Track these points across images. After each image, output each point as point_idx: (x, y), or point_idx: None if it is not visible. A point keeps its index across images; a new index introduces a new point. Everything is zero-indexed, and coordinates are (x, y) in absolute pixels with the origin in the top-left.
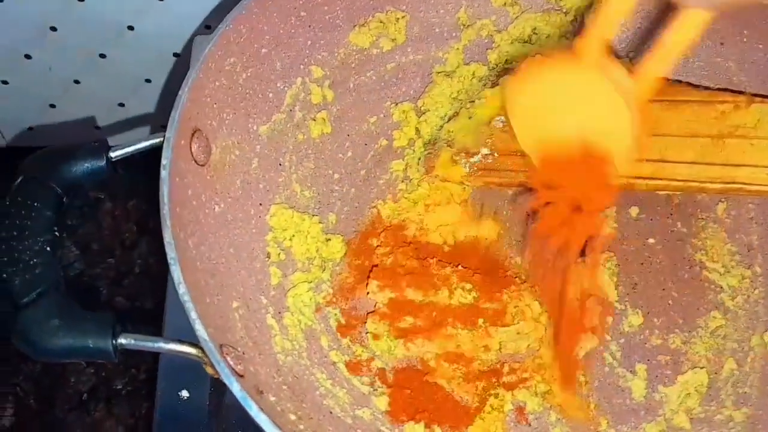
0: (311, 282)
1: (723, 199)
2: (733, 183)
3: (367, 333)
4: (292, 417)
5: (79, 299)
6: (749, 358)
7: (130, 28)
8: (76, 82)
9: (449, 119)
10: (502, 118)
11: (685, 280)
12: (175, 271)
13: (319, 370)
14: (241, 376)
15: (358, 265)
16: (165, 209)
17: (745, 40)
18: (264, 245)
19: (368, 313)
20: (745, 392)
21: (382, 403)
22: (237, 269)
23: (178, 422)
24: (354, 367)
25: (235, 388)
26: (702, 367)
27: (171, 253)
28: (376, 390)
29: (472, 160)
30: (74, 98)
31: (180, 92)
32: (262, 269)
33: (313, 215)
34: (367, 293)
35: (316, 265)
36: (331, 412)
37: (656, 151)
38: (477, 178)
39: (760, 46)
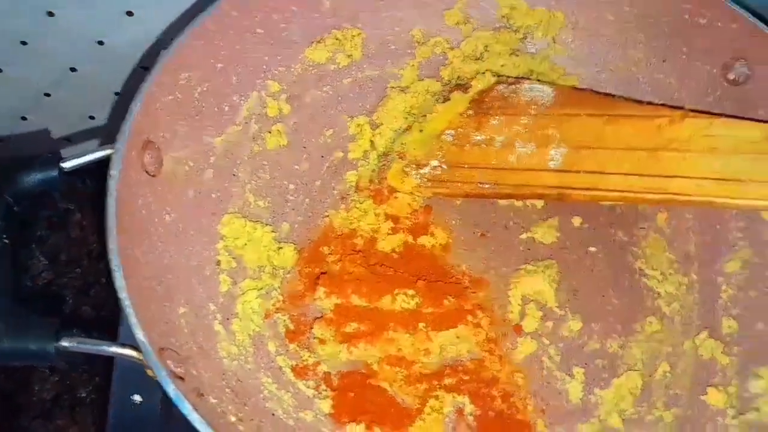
0: (261, 289)
1: (663, 209)
2: (667, 194)
3: (314, 338)
4: (232, 418)
5: (45, 308)
6: (682, 361)
7: (100, 42)
8: (47, 95)
9: (402, 132)
10: (452, 132)
11: (625, 287)
12: (117, 278)
13: (265, 375)
14: (181, 378)
15: (309, 273)
16: (110, 219)
17: (684, 57)
18: (215, 253)
19: (315, 319)
20: (676, 393)
21: (325, 405)
22: (186, 277)
23: (131, 426)
24: (300, 371)
25: (170, 389)
26: (637, 370)
27: (114, 261)
28: (321, 393)
29: (422, 171)
30: (45, 109)
31: (132, 104)
32: (211, 277)
33: (266, 224)
34: (315, 299)
35: (267, 272)
36: (273, 415)
37: (595, 163)
38: (426, 189)
39: (698, 63)
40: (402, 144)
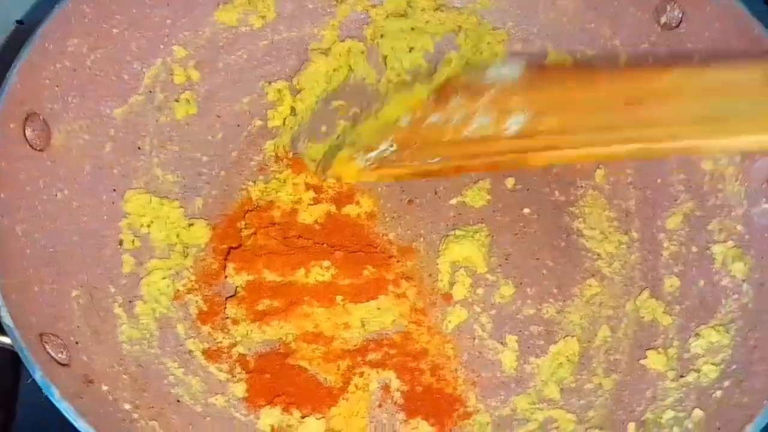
0: (170, 269)
1: (601, 166)
2: (642, 142)
3: (227, 318)
4: (126, 406)
5: None
6: (623, 324)
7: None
8: None
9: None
10: (408, 116)
11: (561, 248)
12: None
13: (171, 359)
14: (64, 365)
15: (224, 250)
16: None
17: (615, 3)
18: (117, 232)
19: (227, 298)
20: (616, 359)
21: (239, 389)
22: (81, 257)
23: (41, 421)
24: (213, 354)
25: (37, 375)
26: (574, 336)
27: None
28: (235, 377)
29: (368, 156)
30: None
31: (8, 74)
32: (112, 257)
33: (174, 200)
34: (225, 277)
35: (177, 251)
36: (178, 401)
37: (558, 125)
38: (371, 173)
39: (630, 9)
40: (358, 134)
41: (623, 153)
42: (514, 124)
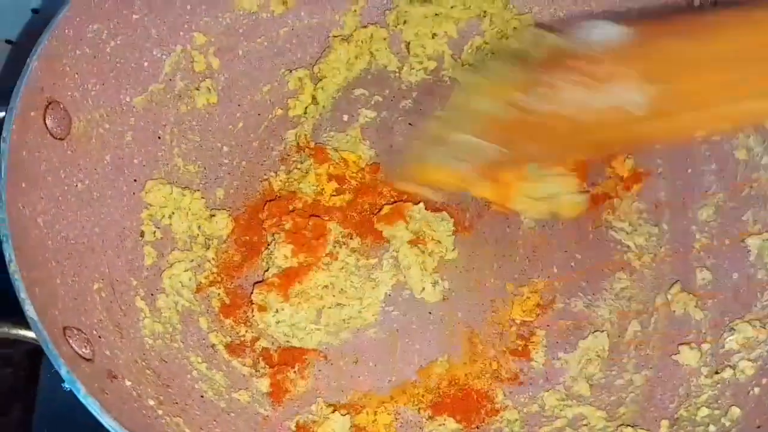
0: (192, 261)
1: (631, 156)
2: None
3: (253, 311)
4: (151, 402)
5: None
6: (653, 318)
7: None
8: None
9: None
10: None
11: (590, 240)
12: (7, 249)
13: (194, 354)
14: (88, 359)
15: (246, 242)
16: (2, 183)
17: None
18: (138, 224)
19: (255, 284)
20: (647, 354)
21: (263, 384)
22: (102, 249)
23: (60, 415)
24: (235, 348)
25: (63, 371)
26: (603, 331)
27: (3, 230)
28: (258, 371)
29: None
30: None
31: (28, 60)
32: (134, 249)
33: (195, 190)
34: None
35: (199, 243)
36: (202, 396)
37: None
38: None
39: None
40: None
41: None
42: (636, 96)
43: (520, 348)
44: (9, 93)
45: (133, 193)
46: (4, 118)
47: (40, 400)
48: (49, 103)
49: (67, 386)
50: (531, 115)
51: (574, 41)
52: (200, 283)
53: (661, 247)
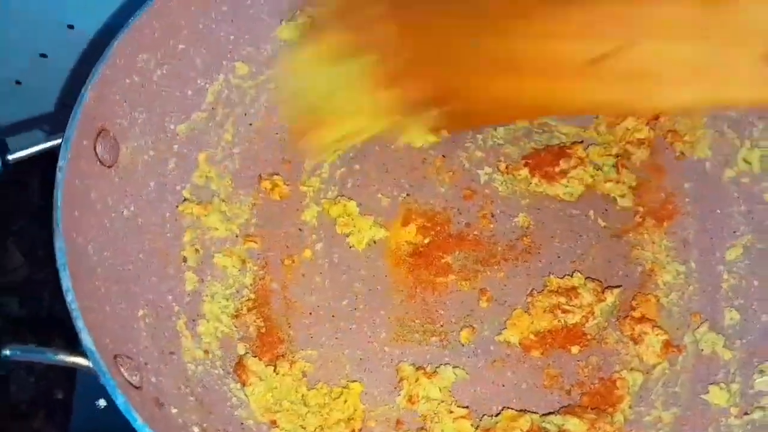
0: (232, 287)
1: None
2: None
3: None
4: (196, 429)
5: (21, 305)
6: (681, 356)
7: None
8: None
9: None
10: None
11: (619, 276)
12: (64, 278)
13: (234, 380)
14: (138, 387)
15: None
16: (57, 213)
17: None
18: (179, 249)
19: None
20: (676, 392)
21: None
22: (147, 275)
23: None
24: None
25: (120, 400)
26: (632, 369)
27: (61, 259)
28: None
29: None
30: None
31: (83, 90)
32: (176, 275)
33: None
34: None
35: (237, 268)
36: (242, 424)
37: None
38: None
39: None
40: None
41: None
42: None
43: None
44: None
45: (176, 220)
46: (57, 147)
47: (75, 417)
48: (100, 132)
49: (101, 404)
50: None
51: None
52: (238, 309)
53: (689, 286)
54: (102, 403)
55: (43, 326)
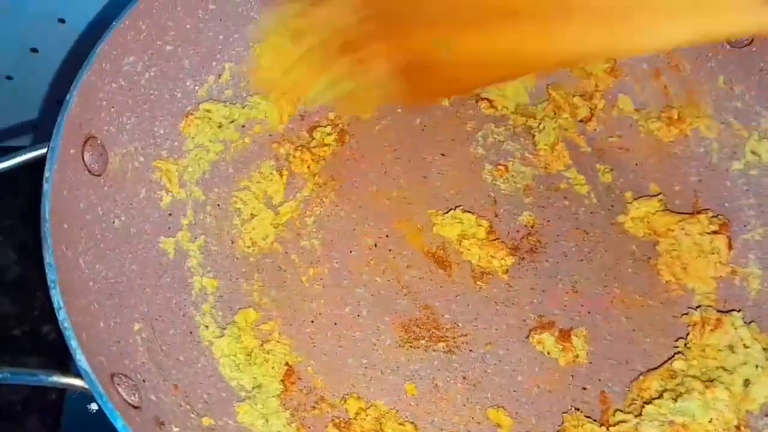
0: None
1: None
2: None
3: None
4: None
5: (12, 302)
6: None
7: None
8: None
9: None
10: None
11: (629, 275)
12: (55, 296)
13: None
14: (137, 407)
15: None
16: (46, 226)
17: None
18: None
19: None
20: None
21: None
22: (141, 287)
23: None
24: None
25: (119, 424)
26: None
27: (51, 275)
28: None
29: None
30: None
31: (68, 96)
32: (170, 285)
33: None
34: None
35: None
36: None
37: None
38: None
39: None
40: None
41: None
42: None
43: None
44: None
45: (169, 228)
46: (43, 156)
47: (66, 421)
48: (87, 139)
49: (93, 407)
50: None
51: None
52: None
53: None
54: (94, 406)
55: (36, 323)
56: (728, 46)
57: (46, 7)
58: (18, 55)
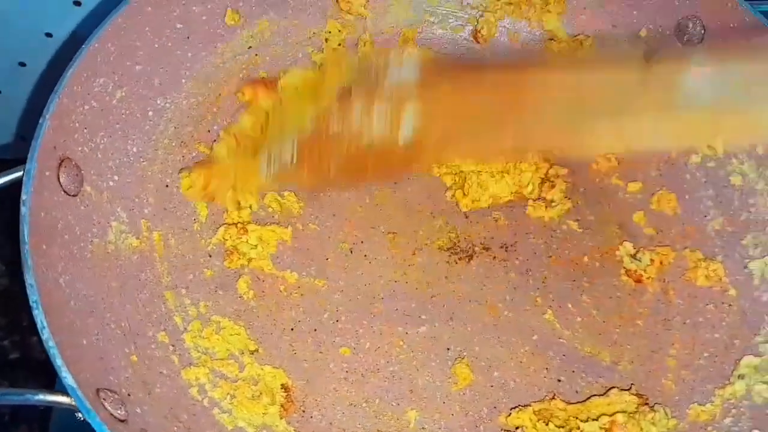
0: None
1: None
2: None
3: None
4: None
5: (2, 314)
6: None
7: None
8: None
9: None
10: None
11: (596, 269)
12: (38, 316)
13: (219, 409)
14: (123, 421)
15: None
16: (25, 248)
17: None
18: (154, 274)
19: None
20: None
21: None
22: (121, 303)
23: None
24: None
25: None
26: None
27: (33, 297)
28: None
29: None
30: None
31: (41, 120)
32: (150, 300)
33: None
34: None
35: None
36: None
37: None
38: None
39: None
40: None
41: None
42: (407, 128)
43: None
44: None
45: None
46: (19, 179)
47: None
48: (62, 161)
49: (80, 416)
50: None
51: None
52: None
53: None
54: (80, 416)
55: (25, 333)
56: (681, 46)
57: (33, 22)
58: (6, 69)
